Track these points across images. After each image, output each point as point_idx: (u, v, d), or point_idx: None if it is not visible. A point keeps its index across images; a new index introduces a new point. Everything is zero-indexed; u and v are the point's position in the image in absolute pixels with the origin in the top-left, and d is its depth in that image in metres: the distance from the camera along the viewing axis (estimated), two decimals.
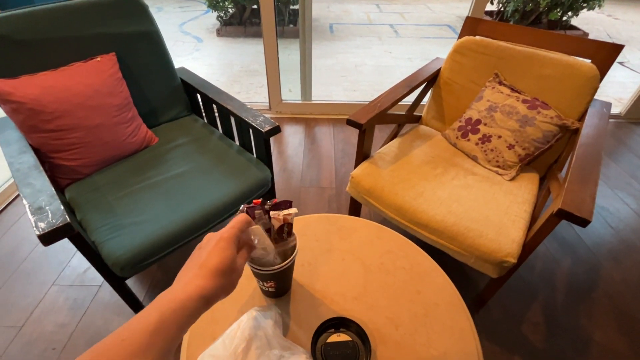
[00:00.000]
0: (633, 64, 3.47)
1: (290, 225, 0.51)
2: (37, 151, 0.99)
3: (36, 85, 0.95)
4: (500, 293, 1.25)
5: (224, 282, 0.34)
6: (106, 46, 1.14)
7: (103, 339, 0.27)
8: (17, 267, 1.29)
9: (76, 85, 1.00)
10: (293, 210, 0.49)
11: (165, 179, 1.08)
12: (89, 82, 1.03)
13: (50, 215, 0.75)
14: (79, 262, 1.31)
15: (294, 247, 0.53)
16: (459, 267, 1.32)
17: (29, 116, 0.94)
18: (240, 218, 0.40)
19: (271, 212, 0.48)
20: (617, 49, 1.10)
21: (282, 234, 0.51)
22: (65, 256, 1.33)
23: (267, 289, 0.57)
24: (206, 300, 0.32)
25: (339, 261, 0.70)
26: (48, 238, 0.72)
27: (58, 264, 1.30)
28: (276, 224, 0.49)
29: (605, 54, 1.12)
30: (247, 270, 0.53)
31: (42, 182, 0.84)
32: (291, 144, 2.02)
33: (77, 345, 1.07)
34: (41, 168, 0.89)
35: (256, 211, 0.48)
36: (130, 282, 1.24)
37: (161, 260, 0.93)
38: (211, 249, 0.34)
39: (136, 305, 1.06)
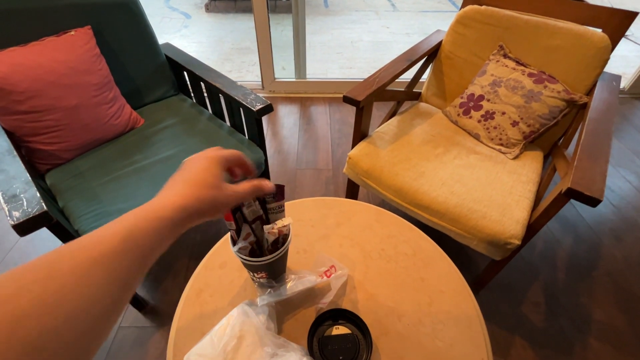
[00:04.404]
0: (637, 37, 3.37)
1: (285, 236, 0.47)
2: (11, 135, 0.92)
3: (4, 62, 0.87)
4: (501, 273, 1.23)
5: (208, 195, 0.30)
6: (80, 19, 1.04)
7: (58, 249, 0.21)
8: (3, 257, 1.25)
9: (49, 62, 0.92)
10: (288, 221, 0.45)
11: (153, 162, 1.02)
12: (63, 58, 0.95)
13: (25, 204, 0.70)
14: None
15: (287, 234, 0.48)
16: (458, 248, 1.30)
17: None
18: (233, 152, 0.37)
19: (265, 226, 0.45)
20: (630, 16, 1.03)
21: (277, 245, 0.47)
22: (54, 244, 1.29)
23: (258, 280, 0.53)
24: (186, 212, 0.28)
25: (337, 247, 0.66)
26: (24, 228, 0.67)
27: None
28: (271, 238, 0.45)
29: (618, 23, 1.05)
30: (237, 261, 0.49)
31: (16, 168, 0.78)
32: (286, 125, 1.95)
33: None
34: (15, 153, 0.83)
35: None
36: None
37: None
38: (194, 164, 0.33)
39: None
